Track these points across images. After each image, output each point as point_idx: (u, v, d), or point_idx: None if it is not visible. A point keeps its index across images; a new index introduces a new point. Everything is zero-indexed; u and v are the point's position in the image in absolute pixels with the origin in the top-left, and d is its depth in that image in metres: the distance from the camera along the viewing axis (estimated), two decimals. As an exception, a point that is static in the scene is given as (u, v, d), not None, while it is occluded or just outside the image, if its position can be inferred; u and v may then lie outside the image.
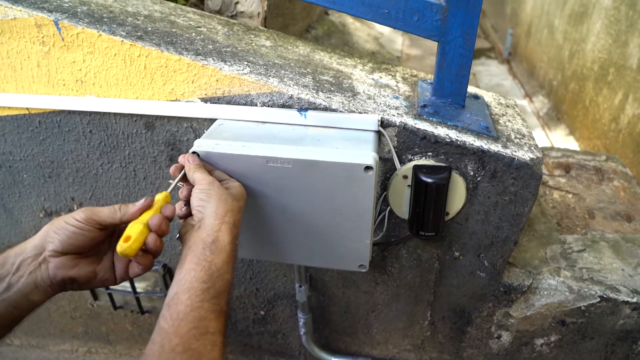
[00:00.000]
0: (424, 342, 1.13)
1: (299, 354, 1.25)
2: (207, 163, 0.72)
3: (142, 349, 1.34)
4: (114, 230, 0.64)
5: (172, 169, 0.70)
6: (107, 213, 0.60)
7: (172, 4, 1.04)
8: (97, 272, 0.62)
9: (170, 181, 0.67)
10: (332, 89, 0.84)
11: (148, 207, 0.61)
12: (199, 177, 0.66)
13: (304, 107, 0.80)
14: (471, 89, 0.96)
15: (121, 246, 0.55)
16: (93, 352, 1.38)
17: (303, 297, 1.04)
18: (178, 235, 0.64)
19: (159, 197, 0.63)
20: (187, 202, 0.66)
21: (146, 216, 0.60)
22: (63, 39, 0.80)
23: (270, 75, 0.82)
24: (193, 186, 0.66)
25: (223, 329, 0.53)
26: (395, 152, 0.80)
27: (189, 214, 0.65)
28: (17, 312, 0.58)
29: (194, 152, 0.72)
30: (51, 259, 0.59)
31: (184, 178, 0.69)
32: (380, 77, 0.96)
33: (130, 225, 0.58)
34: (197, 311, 0.52)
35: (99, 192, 1.01)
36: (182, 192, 0.68)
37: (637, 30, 2.27)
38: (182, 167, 0.69)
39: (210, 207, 0.61)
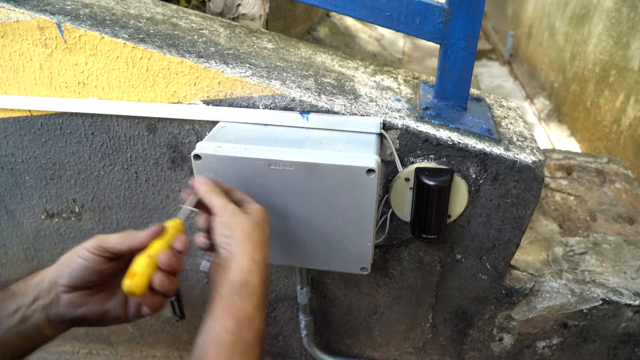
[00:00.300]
0: (426, 344, 1.13)
1: (300, 356, 1.25)
2: (222, 183, 0.65)
3: (143, 351, 1.34)
4: (126, 263, 0.59)
5: (183, 194, 0.64)
6: (116, 240, 0.56)
7: (174, 7, 1.04)
8: (108, 310, 0.58)
9: (181, 206, 0.61)
10: (334, 91, 0.84)
11: (157, 235, 0.55)
12: (217, 204, 0.59)
13: (306, 110, 0.80)
14: (473, 91, 0.97)
15: (126, 284, 0.51)
16: (94, 354, 1.38)
17: (304, 299, 1.04)
18: (203, 269, 0.59)
19: (171, 224, 0.57)
20: (208, 232, 0.61)
21: (157, 246, 0.54)
22: (65, 42, 0.80)
23: (272, 78, 0.82)
24: (210, 213, 0.60)
25: None
26: (397, 154, 0.80)
27: (212, 248, 0.59)
28: (29, 344, 0.56)
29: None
30: (62, 295, 0.56)
31: (199, 204, 0.62)
32: (382, 80, 0.96)
33: (136, 258, 0.53)
34: None
35: (100, 194, 1.01)
36: (200, 222, 0.62)
37: (638, 32, 2.26)
38: (193, 192, 0.63)
39: (236, 244, 0.55)
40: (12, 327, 0.55)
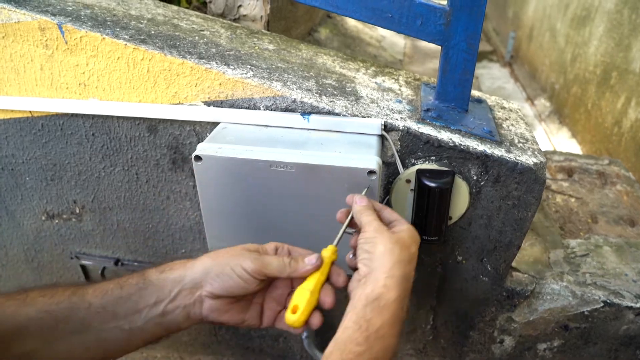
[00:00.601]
0: (426, 346, 1.13)
1: (301, 358, 1.25)
2: (376, 202, 0.65)
3: (143, 352, 1.34)
4: (270, 283, 0.62)
5: (338, 215, 0.65)
6: (276, 267, 0.58)
7: (175, 8, 1.04)
8: (246, 319, 0.61)
9: (340, 234, 0.63)
10: (335, 92, 0.84)
11: (319, 268, 0.58)
12: (365, 221, 0.60)
13: (307, 111, 0.80)
14: (474, 93, 0.96)
15: (289, 319, 0.54)
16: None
17: (305, 301, 1.03)
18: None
19: (327, 253, 0.59)
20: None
21: (316, 280, 0.57)
22: (66, 42, 0.80)
23: (273, 79, 0.82)
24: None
25: None
26: (399, 156, 0.80)
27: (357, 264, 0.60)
28: (164, 333, 0.59)
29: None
30: (206, 300, 0.58)
31: (352, 222, 0.63)
32: (383, 81, 0.95)
33: (297, 292, 0.56)
34: None
35: (101, 195, 1.00)
36: (352, 241, 0.63)
37: None
38: (349, 212, 0.64)
39: (376, 259, 0.55)
40: (152, 317, 0.57)
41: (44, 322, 0.54)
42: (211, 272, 0.57)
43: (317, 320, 0.56)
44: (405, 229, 0.60)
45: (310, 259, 0.58)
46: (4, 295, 0.56)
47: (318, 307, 0.58)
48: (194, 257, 0.60)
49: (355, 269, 0.59)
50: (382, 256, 0.55)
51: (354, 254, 0.62)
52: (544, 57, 3.62)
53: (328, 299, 0.57)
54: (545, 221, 1.18)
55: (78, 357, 0.57)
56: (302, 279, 0.59)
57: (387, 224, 0.62)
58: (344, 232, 0.62)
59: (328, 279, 0.60)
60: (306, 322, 0.56)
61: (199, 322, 0.60)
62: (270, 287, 0.63)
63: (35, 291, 0.57)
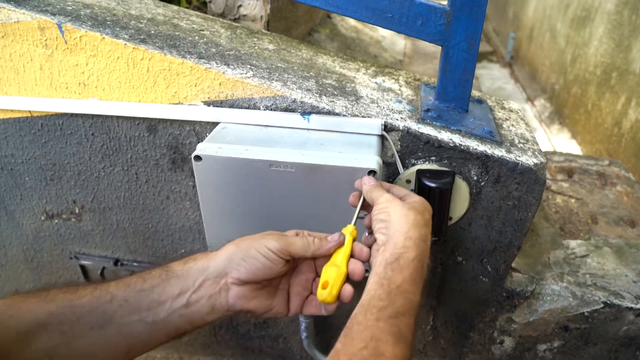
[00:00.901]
0: (426, 347, 1.12)
1: (300, 358, 1.25)
2: (383, 182, 0.67)
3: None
4: (296, 265, 0.63)
5: (351, 198, 0.67)
6: (300, 245, 0.58)
7: (175, 7, 1.04)
8: (273, 306, 0.61)
9: (360, 216, 0.64)
10: (335, 92, 0.84)
11: (342, 244, 0.59)
12: (376, 195, 0.61)
13: (307, 111, 0.80)
14: (475, 93, 0.96)
15: (321, 295, 0.54)
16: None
17: (305, 301, 1.03)
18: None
19: (347, 231, 0.60)
20: (371, 231, 0.62)
21: (341, 256, 0.58)
22: (66, 42, 0.80)
23: (273, 79, 0.82)
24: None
25: (404, 359, 0.45)
26: (399, 156, 0.80)
27: (373, 241, 0.60)
28: (190, 327, 0.58)
29: (369, 172, 0.68)
30: (232, 287, 0.57)
31: (364, 204, 0.64)
32: (384, 81, 0.95)
33: (325, 270, 0.56)
34: (370, 330, 0.46)
35: (100, 195, 1.00)
36: (366, 221, 0.64)
37: None
38: (360, 195, 0.65)
39: (392, 225, 0.56)
40: (176, 309, 0.56)
41: (65, 317, 0.54)
42: (235, 257, 0.57)
43: (348, 292, 0.56)
44: (416, 199, 0.62)
45: (333, 237, 0.59)
46: (25, 293, 0.56)
47: (348, 280, 0.58)
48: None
49: (369, 246, 0.60)
50: (398, 221, 0.56)
51: (370, 233, 0.63)
52: (544, 58, 3.62)
53: (357, 269, 0.57)
54: (545, 222, 1.18)
55: (100, 353, 0.56)
56: (327, 259, 0.59)
57: (399, 198, 0.63)
58: (358, 215, 0.64)
59: (352, 255, 0.60)
60: (338, 297, 0.56)
61: (225, 314, 0.59)
62: (295, 272, 0.63)
63: (56, 288, 0.56)
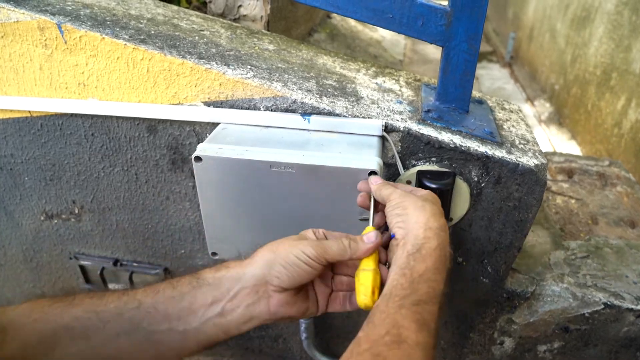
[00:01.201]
0: (426, 347, 1.12)
1: (300, 359, 1.25)
2: (385, 180, 0.67)
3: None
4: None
5: (359, 199, 0.66)
6: (337, 250, 0.57)
7: (175, 7, 1.04)
8: (308, 307, 0.60)
9: (363, 217, 0.65)
10: (336, 93, 0.84)
11: (380, 245, 0.58)
12: (387, 192, 0.61)
13: (308, 112, 0.79)
14: (475, 94, 0.96)
15: (363, 301, 0.54)
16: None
17: (305, 302, 1.03)
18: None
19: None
20: (385, 229, 0.62)
21: (371, 258, 0.57)
22: (66, 42, 0.80)
23: (273, 80, 0.81)
24: (383, 210, 0.62)
25: (427, 346, 0.44)
26: (399, 157, 0.80)
27: (387, 239, 0.60)
28: (224, 336, 0.57)
29: (370, 173, 0.67)
30: (274, 295, 0.56)
31: (376, 205, 0.64)
32: (384, 82, 0.95)
33: (362, 275, 0.56)
34: (392, 317, 0.46)
35: (100, 195, 1.00)
36: (376, 220, 0.64)
37: (640, 35, 2.26)
38: (369, 195, 0.65)
39: (410, 219, 0.56)
40: (210, 318, 0.55)
41: (90, 322, 0.53)
42: (275, 265, 0.56)
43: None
44: (426, 192, 0.62)
45: (370, 237, 0.58)
46: (50, 298, 0.55)
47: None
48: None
49: (385, 247, 0.60)
50: (415, 213, 0.55)
51: (383, 231, 0.62)
52: (544, 58, 3.62)
53: (384, 272, 0.57)
54: (545, 222, 1.18)
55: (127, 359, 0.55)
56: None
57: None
58: (372, 215, 0.63)
59: None
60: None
61: (264, 322, 0.58)
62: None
63: (83, 294, 0.56)
